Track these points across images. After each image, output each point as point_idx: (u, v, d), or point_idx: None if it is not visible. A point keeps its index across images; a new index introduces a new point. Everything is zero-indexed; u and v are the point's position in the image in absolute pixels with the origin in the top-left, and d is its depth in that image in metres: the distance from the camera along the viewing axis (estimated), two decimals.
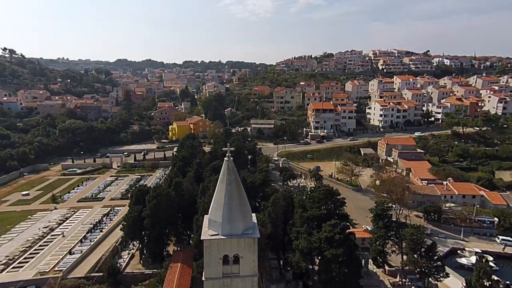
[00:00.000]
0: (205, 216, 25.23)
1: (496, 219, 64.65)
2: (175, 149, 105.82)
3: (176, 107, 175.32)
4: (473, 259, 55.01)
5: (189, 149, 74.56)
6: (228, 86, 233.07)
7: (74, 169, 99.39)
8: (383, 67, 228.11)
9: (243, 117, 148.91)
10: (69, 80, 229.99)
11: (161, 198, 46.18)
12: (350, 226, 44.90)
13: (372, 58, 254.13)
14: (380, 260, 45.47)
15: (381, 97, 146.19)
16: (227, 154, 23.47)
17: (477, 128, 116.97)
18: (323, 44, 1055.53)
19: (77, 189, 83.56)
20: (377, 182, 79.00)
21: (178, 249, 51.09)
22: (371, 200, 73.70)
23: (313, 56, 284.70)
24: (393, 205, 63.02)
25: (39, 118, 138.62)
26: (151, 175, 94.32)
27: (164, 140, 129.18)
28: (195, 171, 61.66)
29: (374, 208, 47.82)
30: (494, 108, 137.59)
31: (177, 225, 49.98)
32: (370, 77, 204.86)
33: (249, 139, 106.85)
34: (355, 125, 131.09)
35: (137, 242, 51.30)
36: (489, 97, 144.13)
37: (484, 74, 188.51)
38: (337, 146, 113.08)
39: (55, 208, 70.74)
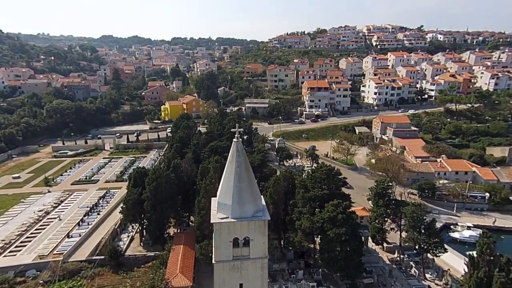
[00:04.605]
0: (212, 198, 24.90)
1: (487, 194, 66.53)
2: (168, 130, 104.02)
3: (168, 86, 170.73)
4: (466, 233, 57.08)
5: (185, 130, 73.03)
6: (219, 64, 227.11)
7: (65, 151, 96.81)
8: (377, 43, 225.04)
9: (237, 96, 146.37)
10: (53, 58, 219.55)
11: (161, 180, 45.36)
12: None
13: (366, 34, 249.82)
14: (379, 237, 46.39)
15: (375, 75, 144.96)
16: (236, 136, 22.74)
17: (470, 105, 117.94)
18: (316, 18, 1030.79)
19: (69, 172, 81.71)
20: (373, 160, 79.74)
21: (178, 231, 51.20)
22: (367, 179, 74.64)
23: (306, 32, 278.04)
24: (390, 183, 63.83)
25: (24, 98, 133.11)
26: (145, 156, 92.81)
27: (156, 121, 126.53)
28: (193, 152, 60.64)
29: (374, 187, 48.23)
30: (486, 84, 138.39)
31: (177, 207, 49.67)
32: (364, 53, 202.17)
33: (244, 119, 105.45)
34: (349, 104, 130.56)
35: (136, 224, 50.97)
36: (482, 73, 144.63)
37: (477, 50, 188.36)
38: (332, 125, 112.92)
39: (49, 191, 69.14)
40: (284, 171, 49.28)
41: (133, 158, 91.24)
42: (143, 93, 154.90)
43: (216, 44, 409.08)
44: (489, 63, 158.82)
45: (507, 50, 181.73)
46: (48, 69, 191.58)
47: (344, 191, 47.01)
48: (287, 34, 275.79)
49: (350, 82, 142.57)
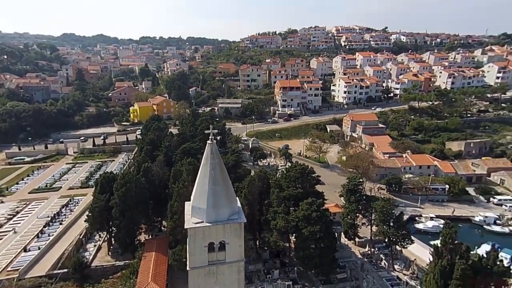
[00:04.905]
0: (186, 203, 24.12)
1: (447, 186, 70.75)
2: (138, 132, 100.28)
3: (136, 87, 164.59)
4: (429, 224, 60.28)
5: (155, 132, 70.62)
6: (191, 63, 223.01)
7: (21, 158, 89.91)
8: (346, 43, 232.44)
9: (209, 97, 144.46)
10: (5, 56, 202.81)
11: (130, 185, 43.34)
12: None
13: (335, 35, 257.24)
14: (351, 232, 47.66)
15: (344, 74, 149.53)
16: (210, 137, 22.16)
17: (430, 103, 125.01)
18: (287, 19, 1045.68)
19: (27, 179, 75.89)
20: (344, 157, 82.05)
21: (150, 237, 49.34)
22: (338, 176, 76.63)
23: (277, 33, 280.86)
24: (361, 180, 65.97)
25: None
26: (113, 160, 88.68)
27: (125, 123, 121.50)
28: (165, 155, 58.78)
29: (346, 184, 49.47)
30: (444, 83, 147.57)
31: (149, 212, 47.81)
32: (333, 53, 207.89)
33: (217, 119, 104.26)
34: (321, 103, 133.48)
35: (104, 233, 48.41)
36: (440, 72, 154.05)
37: (435, 51, 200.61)
38: (304, 124, 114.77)
39: (2, 202, 63.72)
40: (259, 171, 49.15)
41: (100, 162, 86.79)
42: (110, 94, 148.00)
43: (187, 43, 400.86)
44: (446, 63, 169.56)
45: (461, 51, 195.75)
46: (0, 69, 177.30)
47: (317, 188, 47.79)
48: (258, 34, 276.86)
49: (321, 82, 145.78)
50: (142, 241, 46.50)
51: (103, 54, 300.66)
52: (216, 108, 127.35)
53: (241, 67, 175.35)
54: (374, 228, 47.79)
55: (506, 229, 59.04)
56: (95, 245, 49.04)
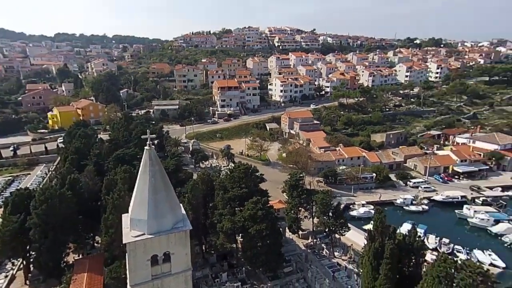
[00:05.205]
0: (124, 215, 22.10)
1: (374, 174, 78.52)
2: (60, 140, 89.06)
3: (55, 90, 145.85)
4: (361, 210, 66.13)
5: (82, 139, 63.35)
6: (120, 63, 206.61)
7: None
8: (279, 44, 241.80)
9: (143, 99, 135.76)
10: None
11: (53, 201, 37.86)
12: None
13: (268, 35, 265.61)
14: (295, 226, 49.49)
15: (280, 74, 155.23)
16: (147, 143, 20.62)
17: (356, 99, 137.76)
18: (218, 18, 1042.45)
19: None
20: (284, 154, 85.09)
21: (80, 256, 44.15)
22: (280, 173, 79.08)
23: (212, 32, 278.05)
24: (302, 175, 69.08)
25: None
26: (29, 174, 76.91)
27: (42, 130, 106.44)
28: (95, 164, 53.11)
29: (288, 180, 51.13)
30: (366, 81, 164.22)
31: (78, 229, 42.64)
32: (268, 53, 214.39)
33: (153, 122, 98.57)
34: (259, 102, 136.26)
35: (19, 259, 41.63)
36: (363, 71, 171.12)
37: (357, 52, 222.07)
38: (244, 123, 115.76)
39: None
40: (202, 174, 47.71)
41: (10, 178, 74.39)
42: (20, 98, 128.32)
43: (114, 42, 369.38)
44: (366, 63, 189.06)
45: (378, 52, 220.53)
46: None
47: (261, 186, 48.44)
48: (192, 33, 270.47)
49: (258, 81, 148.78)
50: (71, 262, 41.23)
51: (7, 52, 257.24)
52: (151, 110, 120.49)
53: (176, 67, 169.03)
54: (316, 220, 50.43)
55: (420, 208, 68.15)
56: (6, 276, 41.69)
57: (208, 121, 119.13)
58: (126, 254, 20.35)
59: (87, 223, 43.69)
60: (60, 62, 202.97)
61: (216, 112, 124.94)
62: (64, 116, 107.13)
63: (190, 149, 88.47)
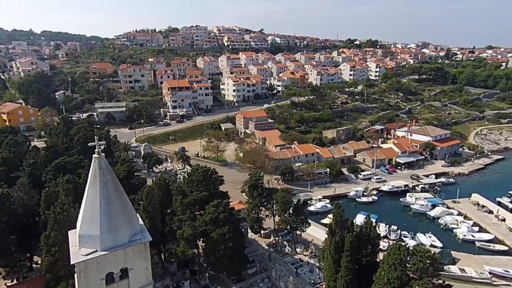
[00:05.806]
0: (70, 231, 19.95)
1: (328, 169, 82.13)
2: None
3: None
4: (318, 204, 68.49)
5: (11, 148, 55.53)
6: (52, 62, 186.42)
7: None
8: (228, 43, 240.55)
9: (84, 101, 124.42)
10: None
11: None
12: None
13: (217, 35, 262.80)
14: (257, 226, 49.30)
15: (232, 73, 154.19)
16: (96, 150, 18.81)
17: (307, 97, 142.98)
18: (161, 16, 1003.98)
19: None
20: (241, 154, 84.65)
21: (15, 281, 38.79)
22: (238, 173, 78.47)
23: (157, 30, 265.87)
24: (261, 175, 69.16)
25: None
26: None
27: None
28: (30, 175, 46.80)
29: (248, 180, 50.67)
30: (315, 80, 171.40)
31: (10, 250, 37.25)
32: (218, 53, 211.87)
33: (98, 126, 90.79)
34: (212, 102, 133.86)
35: None
36: (311, 71, 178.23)
37: (304, 52, 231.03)
38: (198, 124, 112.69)
39: None
40: (158, 179, 44.92)
41: None
42: None
43: (43, 38, 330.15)
44: (314, 63, 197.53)
45: (323, 52, 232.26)
46: None
47: (220, 188, 47.24)
48: (136, 31, 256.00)
49: (210, 81, 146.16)
50: None
51: None
52: (95, 113, 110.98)
53: (121, 66, 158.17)
54: (277, 218, 50.81)
55: (370, 199, 73.04)
56: None
57: (160, 123, 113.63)
58: (75, 274, 18.30)
59: (22, 242, 38.58)
60: None
61: (168, 113, 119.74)
62: None
63: (142, 153, 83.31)
